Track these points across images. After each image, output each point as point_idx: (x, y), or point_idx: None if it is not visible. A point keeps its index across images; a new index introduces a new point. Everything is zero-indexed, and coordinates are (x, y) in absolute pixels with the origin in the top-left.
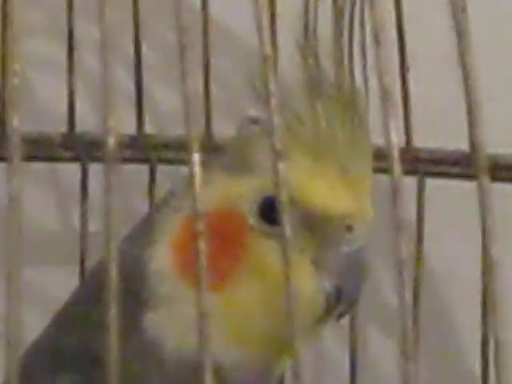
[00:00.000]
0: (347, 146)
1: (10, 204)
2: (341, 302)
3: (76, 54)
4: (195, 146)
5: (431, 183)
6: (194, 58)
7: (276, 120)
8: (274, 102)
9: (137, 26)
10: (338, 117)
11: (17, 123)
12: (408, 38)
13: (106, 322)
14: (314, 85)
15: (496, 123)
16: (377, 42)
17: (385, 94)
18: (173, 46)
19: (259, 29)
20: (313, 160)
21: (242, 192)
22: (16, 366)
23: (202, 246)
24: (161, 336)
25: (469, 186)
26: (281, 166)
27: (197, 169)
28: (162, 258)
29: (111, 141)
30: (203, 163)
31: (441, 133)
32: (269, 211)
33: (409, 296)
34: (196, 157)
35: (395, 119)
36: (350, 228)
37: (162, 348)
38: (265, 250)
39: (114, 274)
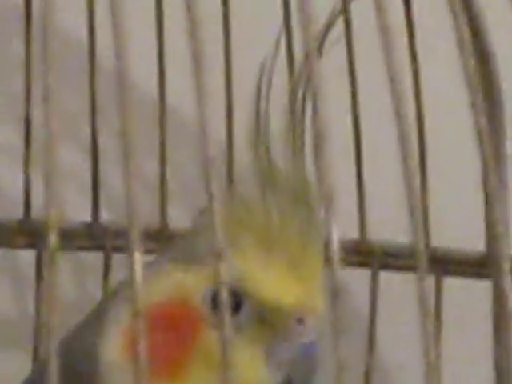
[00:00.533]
0: (298, 238)
1: None
2: None
3: (33, 140)
4: (136, 245)
5: (387, 276)
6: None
7: (218, 221)
8: (216, 205)
9: (94, 112)
10: (289, 209)
11: None
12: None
13: None
14: (265, 177)
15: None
16: (317, 147)
17: (326, 197)
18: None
19: (202, 134)
20: (264, 251)
21: (194, 283)
22: None
23: (142, 346)
24: None
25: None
26: (222, 267)
27: (138, 268)
28: (113, 349)
29: (52, 237)
30: (156, 253)
31: (397, 226)
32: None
33: None
34: (137, 256)
35: (335, 221)
36: (300, 321)
37: None
38: (217, 341)
39: (53, 367)
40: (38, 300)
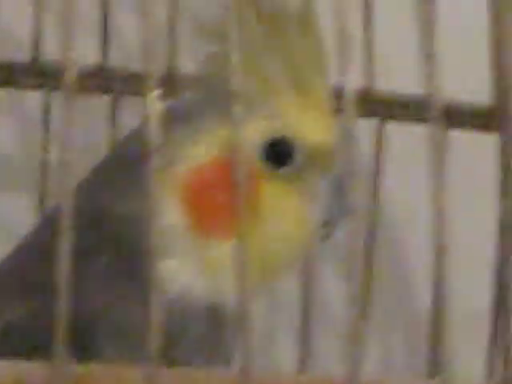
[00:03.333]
0: (316, 76)
1: None
2: (330, 226)
3: None
4: (152, 82)
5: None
6: None
7: (235, 59)
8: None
9: None
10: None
11: None
12: None
13: (58, 252)
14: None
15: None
16: None
17: (342, 43)
18: None
19: None
20: (295, 93)
21: (244, 137)
22: None
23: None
24: (169, 282)
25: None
26: (237, 109)
27: (156, 106)
28: (170, 212)
29: (70, 74)
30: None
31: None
32: (275, 153)
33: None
34: (154, 95)
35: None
36: (335, 155)
37: (169, 292)
38: (274, 191)
39: (68, 206)
40: (45, 141)
